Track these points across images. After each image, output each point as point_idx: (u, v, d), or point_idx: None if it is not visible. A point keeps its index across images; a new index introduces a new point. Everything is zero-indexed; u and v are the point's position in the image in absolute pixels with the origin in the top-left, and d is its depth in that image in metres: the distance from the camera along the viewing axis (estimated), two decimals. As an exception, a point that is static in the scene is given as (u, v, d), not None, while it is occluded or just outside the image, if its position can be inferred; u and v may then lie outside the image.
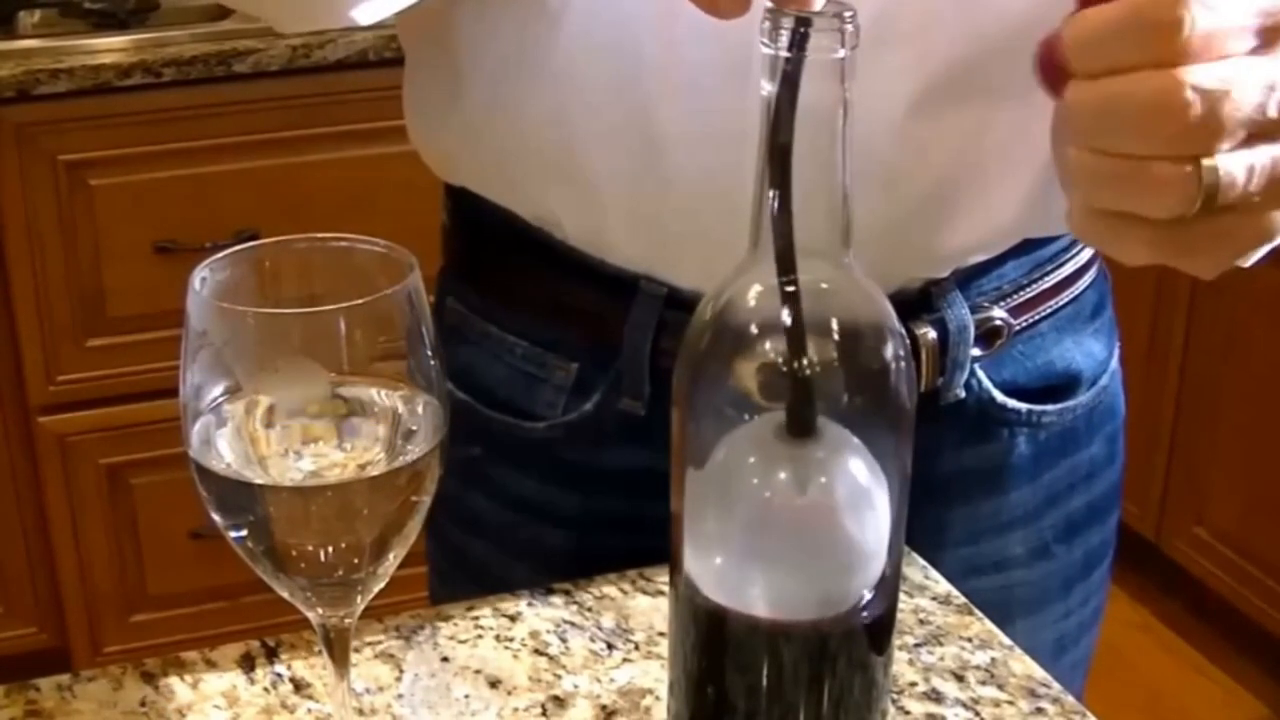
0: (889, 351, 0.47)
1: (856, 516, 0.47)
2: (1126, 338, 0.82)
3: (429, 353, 0.50)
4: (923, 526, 0.72)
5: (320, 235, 0.53)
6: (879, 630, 0.50)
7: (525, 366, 0.75)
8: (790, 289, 0.44)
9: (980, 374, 0.73)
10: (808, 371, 0.45)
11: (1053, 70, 0.44)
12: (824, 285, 0.45)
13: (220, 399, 0.49)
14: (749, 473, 0.47)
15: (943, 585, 0.71)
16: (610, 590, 0.71)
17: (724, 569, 0.48)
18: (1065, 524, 0.79)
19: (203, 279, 0.49)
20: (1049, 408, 0.76)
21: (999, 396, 0.74)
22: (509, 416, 0.76)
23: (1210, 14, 0.41)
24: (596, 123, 0.65)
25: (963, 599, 0.70)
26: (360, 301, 0.47)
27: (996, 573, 0.77)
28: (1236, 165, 0.42)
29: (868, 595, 0.48)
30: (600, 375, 0.73)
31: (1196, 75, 0.41)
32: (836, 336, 0.46)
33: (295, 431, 0.50)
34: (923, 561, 0.73)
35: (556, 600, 0.70)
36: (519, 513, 0.77)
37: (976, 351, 0.72)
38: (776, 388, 0.45)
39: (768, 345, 0.46)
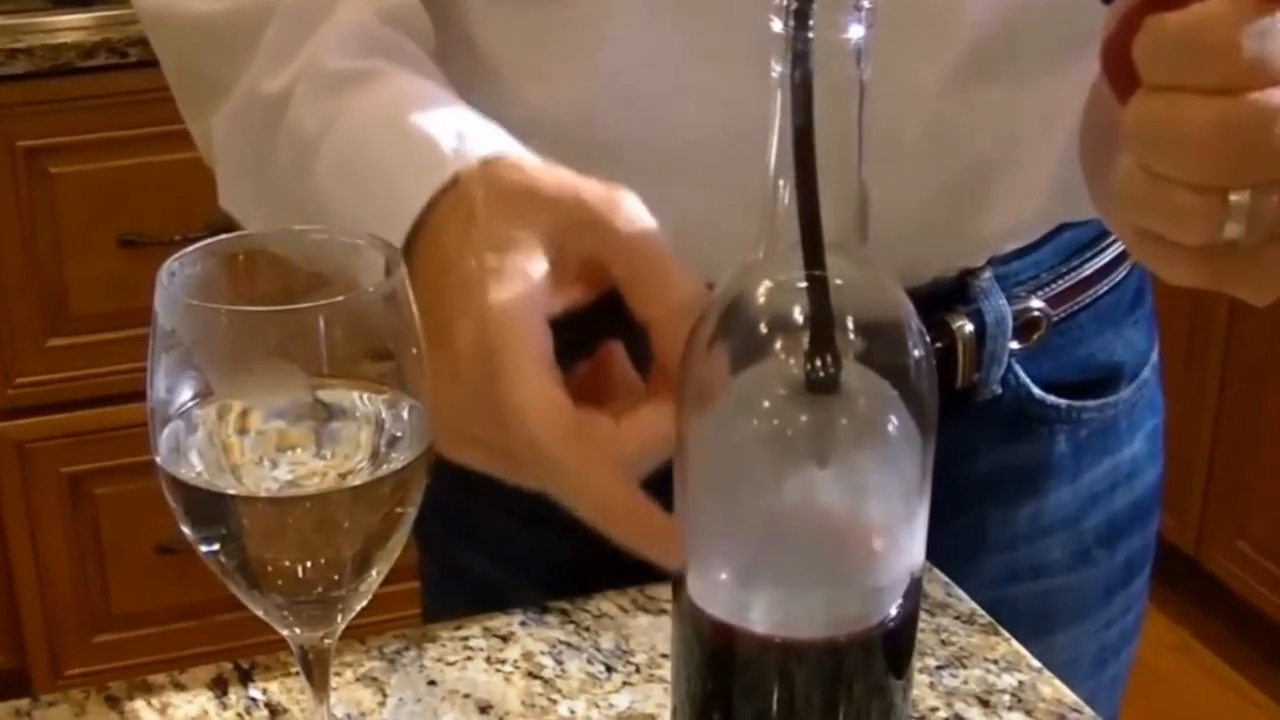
0: (909, 350, 0.47)
1: (879, 525, 0.47)
2: (1163, 336, 0.82)
3: (415, 353, 0.50)
4: (957, 531, 0.73)
5: (298, 227, 0.53)
6: (899, 649, 0.49)
7: None
8: (817, 276, 0.44)
9: (1017, 369, 0.74)
10: (830, 369, 0.45)
11: (1121, 73, 0.44)
12: (839, 281, 0.45)
13: (191, 403, 0.49)
14: (759, 476, 0.47)
15: (967, 603, 0.71)
16: (609, 608, 0.71)
17: (730, 582, 0.48)
18: (1107, 526, 0.79)
19: (172, 274, 0.49)
20: (1089, 403, 0.76)
21: (1037, 392, 0.75)
22: None
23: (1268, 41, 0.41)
24: (618, 115, 0.66)
25: (988, 618, 0.70)
26: (341, 299, 0.47)
27: (1035, 579, 0.78)
28: (1272, 199, 0.43)
29: (889, 609, 0.48)
30: None
31: (1246, 106, 0.41)
32: (852, 335, 0.46)
33: (271, 438, 0.50)
34: (945, 578, 0.73)
35: (552, 619, 0.70)
36: (523, 523, 0.77)
37: (1014, 345, 0.73)
38: (790, 386, 0.45)
39: (781, 342, 0.46)
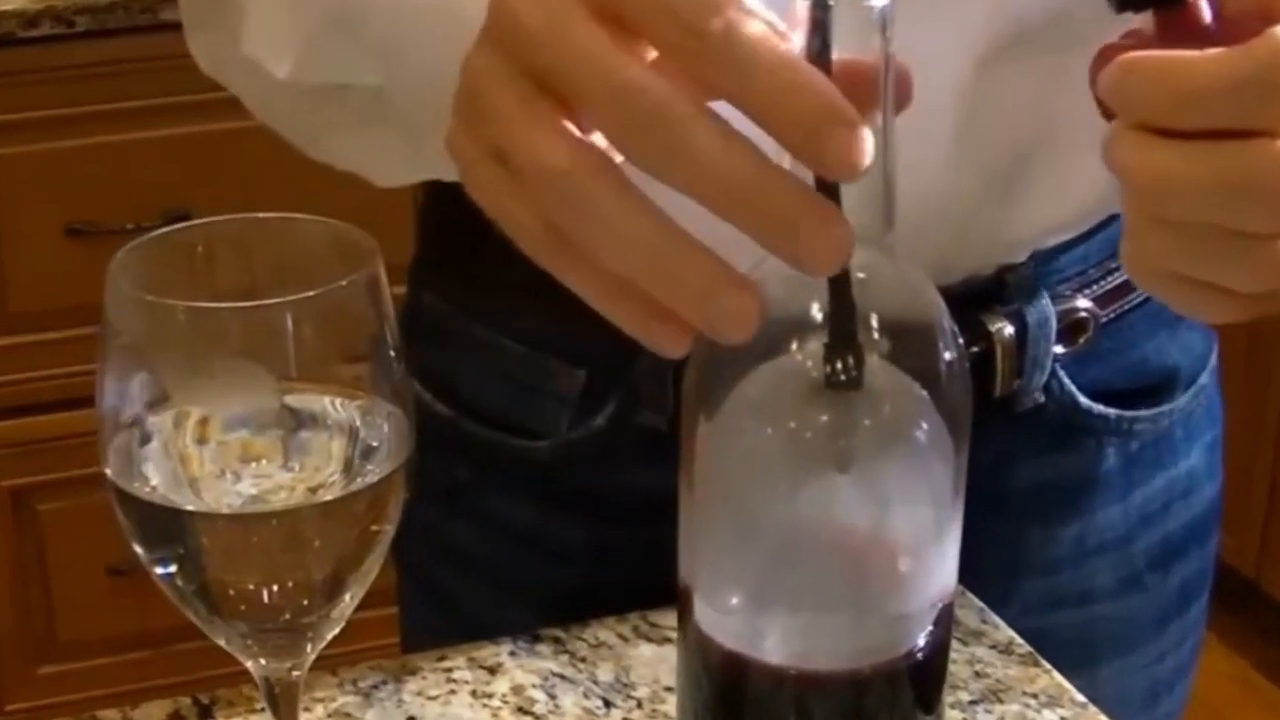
0: (940, 349, 0.47)
1: (907, 543, 0.47)
2: (1222, 338, 0.82)
3: (393, 355, 0.50)
4: (994, 552, 0.73)
5: (263, 215, 0.53)
6: (929, 682, 0.49)
7: (522, 374, 0.75)
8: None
9: (1062, 375, 0.74)
10: (852, 366, 0.45)
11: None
12: (861, 275, 0.45)
13: (144, 410, 0.49)
14: (774, 486, 0.47)
15: (1004, 630, 0.71)
16: (608, 637, 0.71)
17: (742, 607, 0.48)
18: (1160, 548, 0.79)
19: (123, 266, 0.49)
20: (1142, 412, 0.76)
21: (1084, 400, 0.75)
22: (502, 434, 0.76)
23: None
24: None
25: (1027, 647, 0.70)
26: (311, 294, 0.47)
27: (1080, 606, 0.78)
28: None
29: (918, 638, 0.48)
30: (613, 383, 0.73)
31: None
32: (877, 332, 0.46)
33: (233, 449, 0.50)
34: (980, 603, 0.73)
35: (544, 649, 0.70)
36: (516, 547, 0.77)
37: (1059, 349, 0.73)
38: (808, 386, 0.45)
39: (798, 339, 0.46)
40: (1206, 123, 0.43)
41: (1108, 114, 0.46)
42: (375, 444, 0.50)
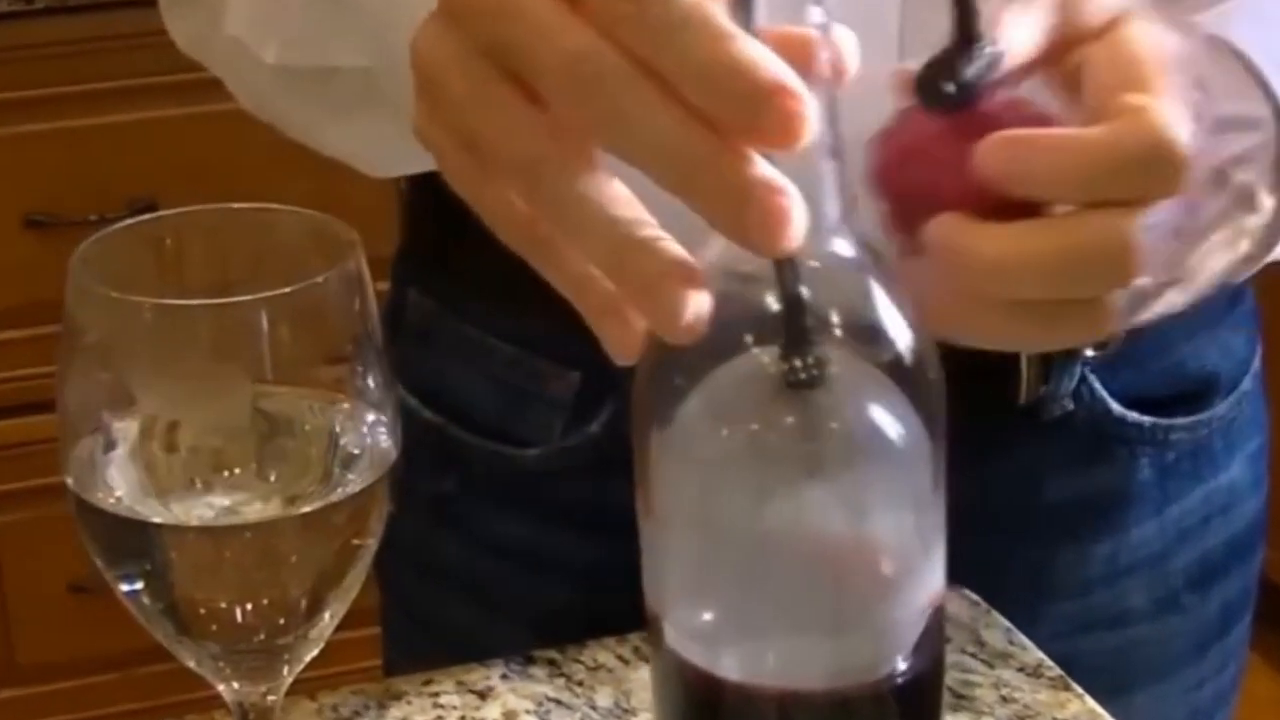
0: (906, 337, 0.46)
1: (885, 546, 0.47)
2: (1267, 340, 0.82)
3: (376, 356, 0.50)
4: (1021, 571, 0.73)
5: (237, 205, 0.53)
6: (921, 703, 0.49)
7: (512, 377, 0.75)
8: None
9: (1093, 380, 0.74)
10: (813, 368, 0.45)
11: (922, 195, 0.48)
12: (814, 263, 0.45)
13: (109, 415, 0.49)
14: (738, 501, 0.46)
15: (1032, 652, 0.71)
16: (606, 659, 0.71)
17: (714, 628, 0.48)
18: (1199, 567, 0.79)
19: (86, 260, 0.49)
20: (1179, 421, 0.76)
21: (1116, 408, 0.75)
22: (491, 442, 0.76)
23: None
24: None
25: (1057, 670, 0.70)
26: (288, 290, 0.47)
27: (1112, 630, 0.78)
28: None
29: (903, 654, 0.47)
30: (608, 387, 0.73)
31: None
32: (836, 327, 0.46)
33: (205, 456, 0.50)
34: (1007, 623, 0.73)
35: (538, 671, 0.70)
36: (507, 563, 0.77)
37: (1088, 352, 0.73)
38: (768, 386, 0.45)
39: (754, 335, 0.45)
40: (1085, 198, 0.47)
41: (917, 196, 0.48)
42: (356, 452, 0.50)
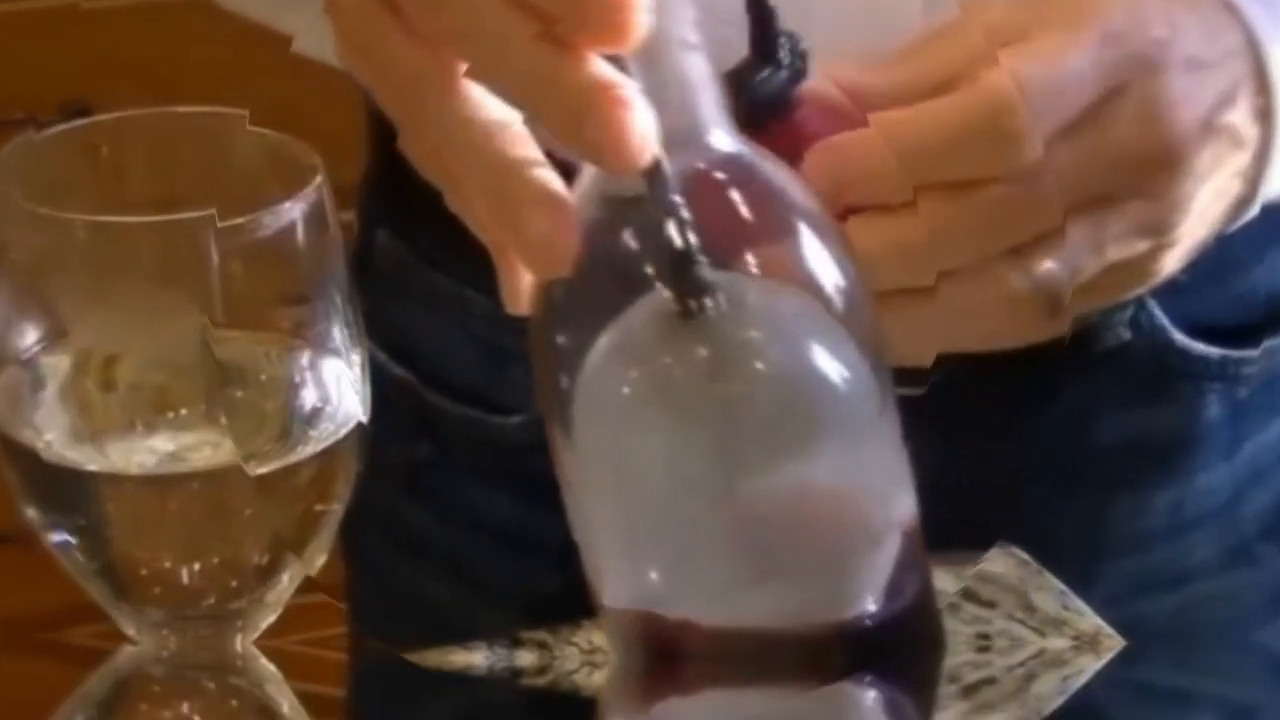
0: (815, 244, 0.47)
1: (825, 474, 0.48)
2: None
3: (341, 298, 0.50)
4: (1074, 527, 0.73)
5: (182, 109, 0.52)
6: (903, 642, 0.50)
7: (491, 333, 0.74)
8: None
9: (1152, 306, 0.73)
10: (705, 294, 0.46)
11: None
12: (700, 164, 0.46)
13: (37, 347, 0.49)
14: (658, 445, 0.47)
15: (1089, 618, 0.70)
16: (602, 641, 0.70)
17: (653, 584, 0.49)
18: (1274, 513, 0.79)
19: (11, 169, 0.49)
20: (1251, 353, 0.76)
21: (1179, 338, 0.74)
22: (468, 407, 0.76)
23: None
24: None
25: (1118, 638, 0.69)
26: (242, 220, 0.47)
27: (1175, 590, 0.77)
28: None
29: (875, 595, 0.48)
30: None
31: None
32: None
33: (147, 396, 0.49)
34: (1060, 584, 0.72)
35: (526, 655, 0.69)
36: (483, 538, 0.77)
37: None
38: (666, 321, 0.46)
39: (650, 267, 0.46)
40: (936, 177, 0.51)
41: None
42: (319, 405, 0.50)
